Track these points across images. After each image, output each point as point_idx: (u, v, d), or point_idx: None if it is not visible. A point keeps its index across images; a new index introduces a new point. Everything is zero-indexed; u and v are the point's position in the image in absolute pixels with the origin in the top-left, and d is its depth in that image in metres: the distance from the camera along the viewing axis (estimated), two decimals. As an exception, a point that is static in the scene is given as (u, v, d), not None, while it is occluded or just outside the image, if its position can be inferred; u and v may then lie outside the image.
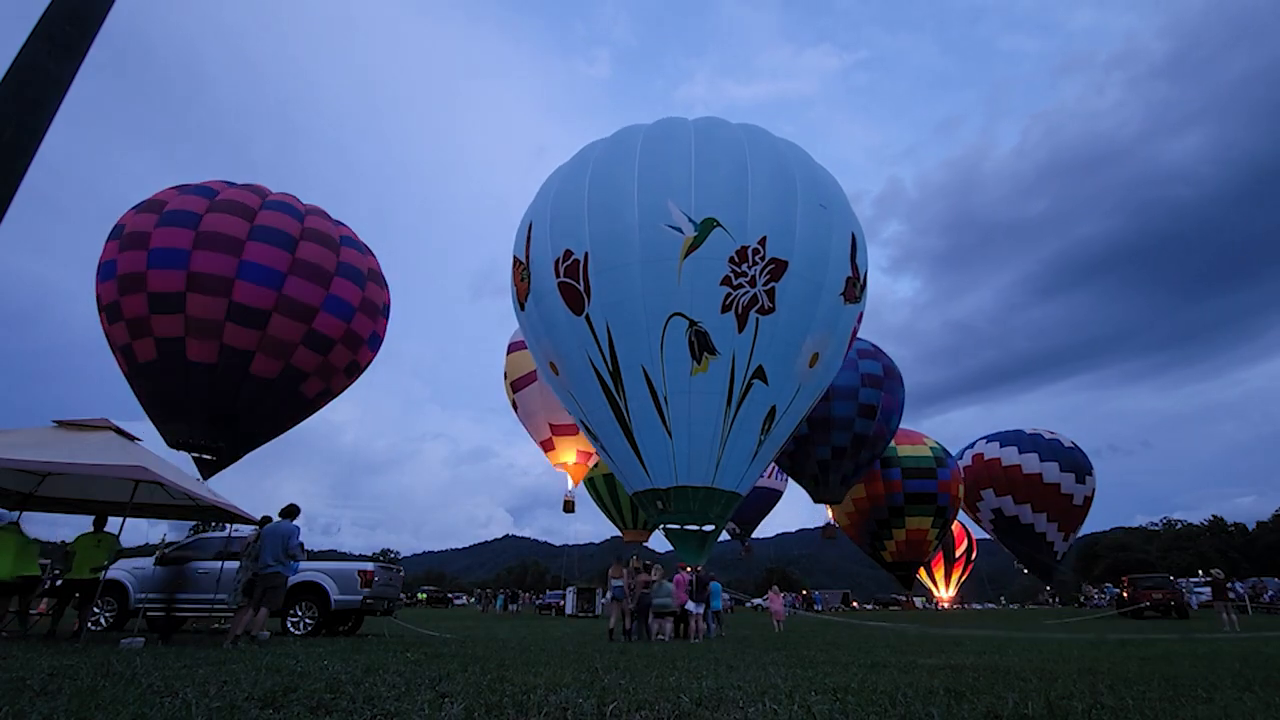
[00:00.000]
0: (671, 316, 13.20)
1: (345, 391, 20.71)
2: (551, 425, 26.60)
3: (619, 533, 33.24)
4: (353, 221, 20.88)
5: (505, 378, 28.77)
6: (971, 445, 40.33)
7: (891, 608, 56.29)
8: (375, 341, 20.35)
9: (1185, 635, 12.77)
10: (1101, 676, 5.37)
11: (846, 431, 28.07)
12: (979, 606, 62.82)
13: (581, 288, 13.69)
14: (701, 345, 13.25)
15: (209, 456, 17.80)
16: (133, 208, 17.99)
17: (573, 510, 31.01)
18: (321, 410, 20.64)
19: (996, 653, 8.36)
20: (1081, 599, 46.52)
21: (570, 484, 30.12)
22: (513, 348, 27.67)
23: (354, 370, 20.05)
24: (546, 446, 28.00)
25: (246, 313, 16.71)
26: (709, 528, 14.69)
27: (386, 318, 20.92)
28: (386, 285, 20.83)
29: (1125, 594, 26.55)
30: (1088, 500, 34.95)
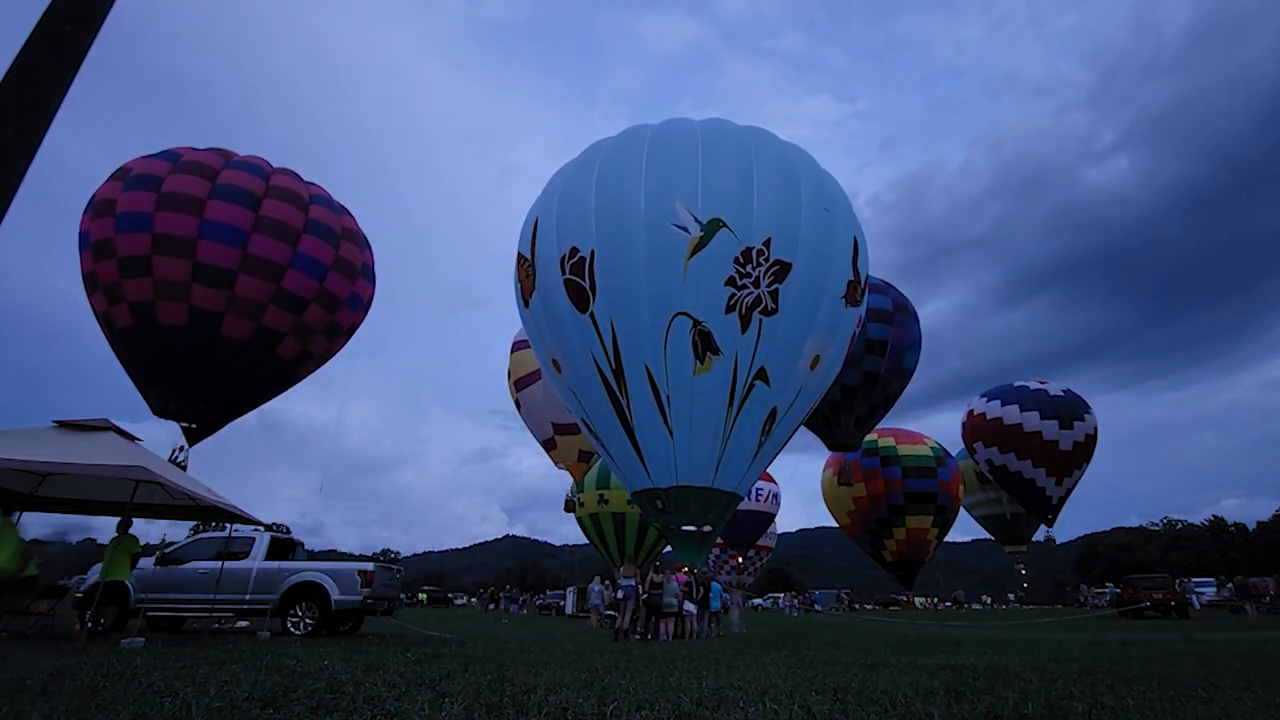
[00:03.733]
0: (676, 316, 13.20)
1: (333, 357, 20.24)
2: (554, 424, 26.54)
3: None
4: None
5: (509, 376, 28.72)
6: (969, 404, 40.80)
7: (892, 608, 56.29)
8: (357, 302, 19.83)
9: (1185, 635, 12.77)
10: (1101, 676, 5.37)
11: (855, 369, 26.67)
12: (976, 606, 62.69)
13: (587, 285, 13.67)
14: (705, 345, 13.26)
15: (194, 425, 17.67)
16: (108, 178, 17.74)
17: (574, 510, 30.99)
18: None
19: (996, 653, 8.36)
20: (1081, 599, 46.45)
21: (572, 483, 30.07)
22: (516, 346, 27.63)
23: (335, 331, 19.55)
24: (548, 446, 27.99)
25: (212, 272, 16.53)
26: (707, 528, 14.70)
27: (370, 280, 20.34)
28: (367, 246, 20.28)
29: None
30: (1079, 445, 35.22)
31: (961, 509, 42.28)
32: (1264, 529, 69.01)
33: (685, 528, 14.50)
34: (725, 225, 13.09)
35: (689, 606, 13.39)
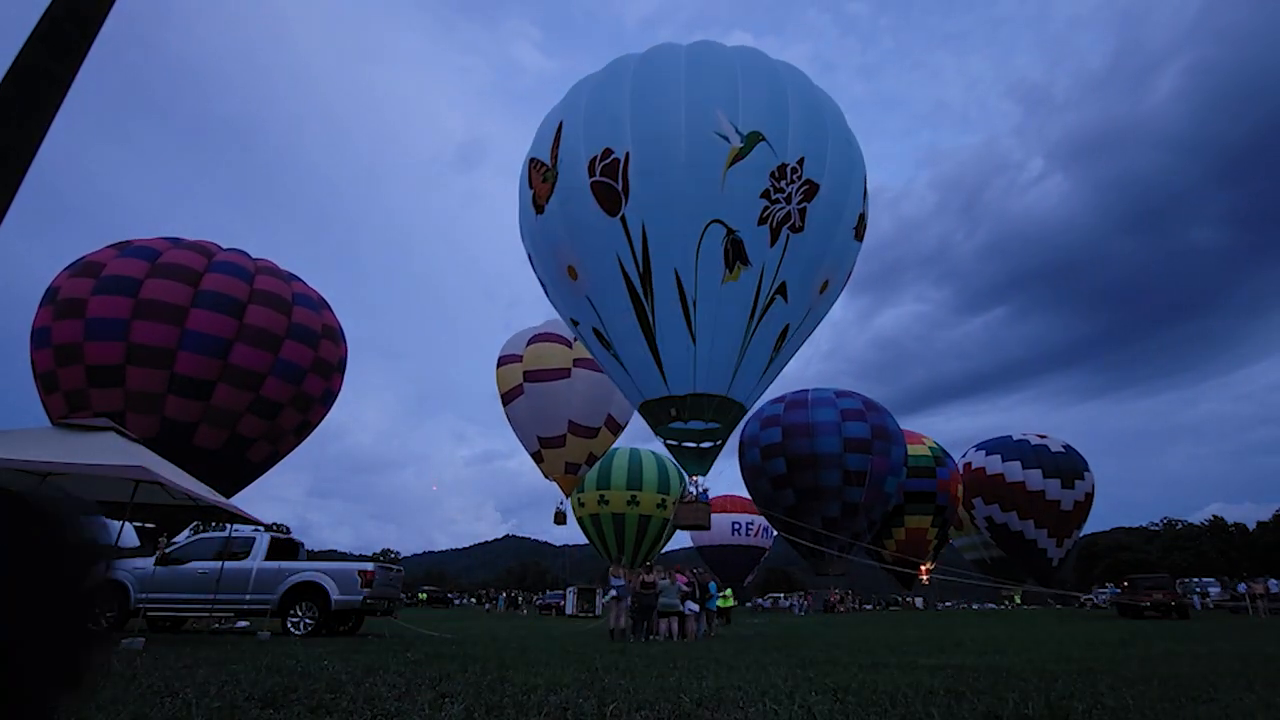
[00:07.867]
0: (711, 223, 13.12)
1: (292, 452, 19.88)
2: (539, 438, 25.63)
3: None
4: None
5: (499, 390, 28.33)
6: (964, 454, 40.30)
7: (892, 608, 56.26)
8: (329, 398, 19.60)
9: (1185, 635, 12.76)
10: (1101, 676, 5.37)
11: (835, 500, 27.56)
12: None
13: (620, 188, 13.41)
14: (735, 254, 13.28)
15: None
16: (66, 268, 16.66)
17: (564, 522, 30.77)
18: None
19: (996, 653, 8.36)
20: (1080, 600, 46.38)
21: (562, 496, 29.71)
22: (501, 361, 26.77)
23: (304, 430, 19.22)
24: (537, 459, 27.54)
25: (189, 384, 15.82)
26: (707, 444, 14.80)
27: (342, 372, 20.15)
28: (343, 338, 20.11)
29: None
30: (1079, 505, 34.12)
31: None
32: (1264, 529, 69.00)
33: (685, 444, 14.64)
34: (764, 139, 13.06)
35: (692, 606, 13.37)
